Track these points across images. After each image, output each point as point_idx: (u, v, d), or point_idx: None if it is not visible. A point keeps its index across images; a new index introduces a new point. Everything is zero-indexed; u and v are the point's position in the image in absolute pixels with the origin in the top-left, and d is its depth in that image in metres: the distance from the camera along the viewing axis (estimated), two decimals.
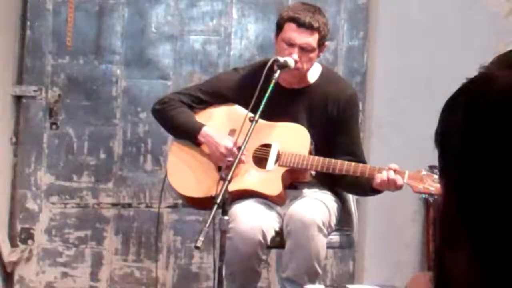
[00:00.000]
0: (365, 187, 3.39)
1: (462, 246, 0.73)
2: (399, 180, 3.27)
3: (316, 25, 3.41)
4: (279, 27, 3.48)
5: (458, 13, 4.46)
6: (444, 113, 0.76)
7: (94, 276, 4.64)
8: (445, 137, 0.75)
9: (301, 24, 3.40)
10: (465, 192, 0.72)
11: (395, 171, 3.29)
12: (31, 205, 4.61)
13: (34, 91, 4.59)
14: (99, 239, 4.64)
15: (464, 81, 0.80)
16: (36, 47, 4.59)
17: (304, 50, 3.42)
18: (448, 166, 0.75)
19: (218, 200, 3.01)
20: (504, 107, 0.70)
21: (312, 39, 3.42)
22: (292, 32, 3.41)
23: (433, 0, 4.48)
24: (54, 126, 4.60)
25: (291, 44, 3.42)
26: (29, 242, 4.62)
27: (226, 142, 3.51)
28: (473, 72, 0.79)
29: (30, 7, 4.58)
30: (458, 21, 4.46)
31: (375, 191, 3.38)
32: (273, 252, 4.40)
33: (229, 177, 3.08)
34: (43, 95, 4.60)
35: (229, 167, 3.23)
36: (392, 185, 3.29)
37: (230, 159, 3.38)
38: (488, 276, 0.71)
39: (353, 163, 3.37)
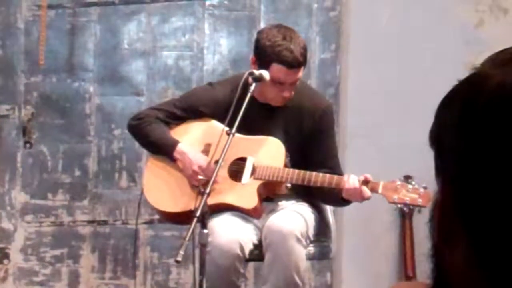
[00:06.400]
0: (338, 198, 3.40)
1: (460, 242, 0.74)
2: (364, 191, 3.28)
3: (302, 59, 3.39)
4: (264, 64, 3.41)
5: (428, 24, 4.51)
6: (440, 111, 0.78)
7: None
8: (441, 134, 0.77)
9: (291, 66, 3.37)
10: (462, 188, 0.74)
11: (368, 182, 3.29)
12: (6, 224, 4.58)
13: (7, 110, 4.57)
14: (76, 257, 4.61)
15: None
16: (8, 66, 4.57)
17: (293, 83, 3.45)
18: (444, 163, 0.77)
19: (198, 214, 3.02)
20: (498, 104, 0.73)
21: (301, 73, 3.44)
22: (282, 74, 3.38)
23: (404, 11, 4.53)
24: (28, 145, 4.58)
25: (281, 83, 3.42)
26: (5, 261, 4.58)
27: (200, 160, 3.50)
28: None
29: (1, 26, 4.57)
30: (428, 32, 4.51)
31: (346, 201, 3.40)
32: (251, 265, 4.40)
33: (208, 190, 3.09)
34: (16, 114, 4.57)
35: (205, 183, 3.23)
36: (358, 196, 3.29)
37: (202, 177, 3.37)
38: (486, 272, 0.72)
39: (327, 175, 3.38)
